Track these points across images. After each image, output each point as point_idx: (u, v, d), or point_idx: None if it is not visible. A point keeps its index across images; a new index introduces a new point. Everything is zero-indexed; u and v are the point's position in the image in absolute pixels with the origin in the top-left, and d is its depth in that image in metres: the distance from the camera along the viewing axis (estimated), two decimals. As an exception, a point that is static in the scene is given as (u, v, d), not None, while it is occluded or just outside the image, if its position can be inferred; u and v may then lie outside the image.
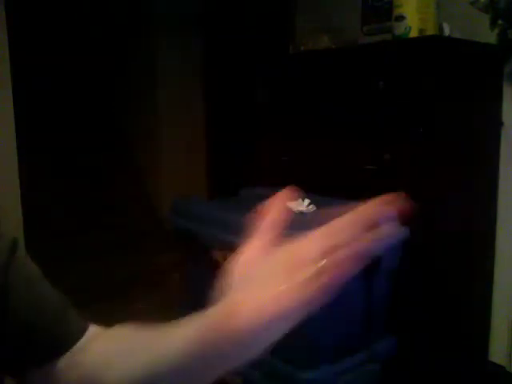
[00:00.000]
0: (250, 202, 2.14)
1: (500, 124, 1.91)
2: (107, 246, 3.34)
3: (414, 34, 1.76)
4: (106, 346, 0.54)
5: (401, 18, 1.78)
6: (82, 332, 0.57)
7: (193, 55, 3.67)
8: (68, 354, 0.55)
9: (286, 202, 0.47)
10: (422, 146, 1.69)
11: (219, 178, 3.66)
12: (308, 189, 1.94)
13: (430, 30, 1.77)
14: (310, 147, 2.09)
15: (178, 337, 0.44)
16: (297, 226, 0.45)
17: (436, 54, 1.67)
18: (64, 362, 0.54)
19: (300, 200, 1.76)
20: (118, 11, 3.97)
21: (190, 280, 1.99)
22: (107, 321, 0.59)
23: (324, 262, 0.38)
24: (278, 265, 0.41)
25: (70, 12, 4.06)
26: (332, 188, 1.93)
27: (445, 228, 1.77)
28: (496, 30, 1.83)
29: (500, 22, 1.76)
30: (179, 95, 3.65)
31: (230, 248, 1.65)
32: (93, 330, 0.58)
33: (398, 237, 0.39)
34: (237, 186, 2.15)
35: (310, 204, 1.74)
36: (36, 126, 3.55)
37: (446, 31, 1.88)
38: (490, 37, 1.86)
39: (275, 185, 2.31)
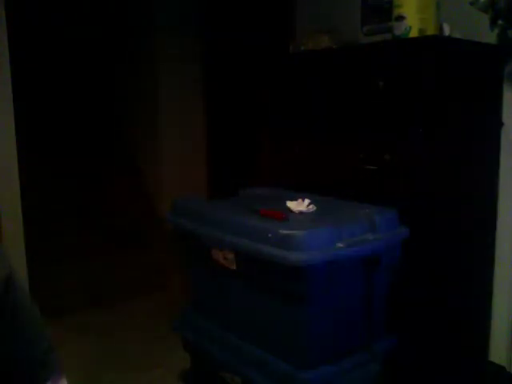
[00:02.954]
0: (249, 202, 2.14)
1: (500, 124, 1.91)
2: (107, 246, 3.34)
3: (413, 34, 1.76)
4: None
5: (401, 18, 1.78)
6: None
7: (193, 55, 3.67)
8: None
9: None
10: (421, 146, 1.69)
11: (219, 178, 3.66)
12: (308, 189, 1.95)
13: (430, 30, 1.77)
14: (309, 147, 2.09)
15: None
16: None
17: (436, 53, 1.67)
18: None
19: (300, 200, 1.76)
20: (118, 11, 3.98)
21: (190, 280, 1.99)
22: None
23: None
24: None
25: (69, 12, 4.06)
26: (332, 188, 1.93)
27: (445, 228, 1.77)
28: (496, 30, 1.83)
29: (500, 22, 1.77)
30: (179, 95, 3.65)
31: (230, 248, 1.65)
32: None
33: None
34: (237, 186, 2.15)
35: (309, 204, 1.74)
36: (36, 127, 3.55)
37: (446, 31, 1.88)
38: (490, 37, 1.86)
39: (275, 185, 2.30)
